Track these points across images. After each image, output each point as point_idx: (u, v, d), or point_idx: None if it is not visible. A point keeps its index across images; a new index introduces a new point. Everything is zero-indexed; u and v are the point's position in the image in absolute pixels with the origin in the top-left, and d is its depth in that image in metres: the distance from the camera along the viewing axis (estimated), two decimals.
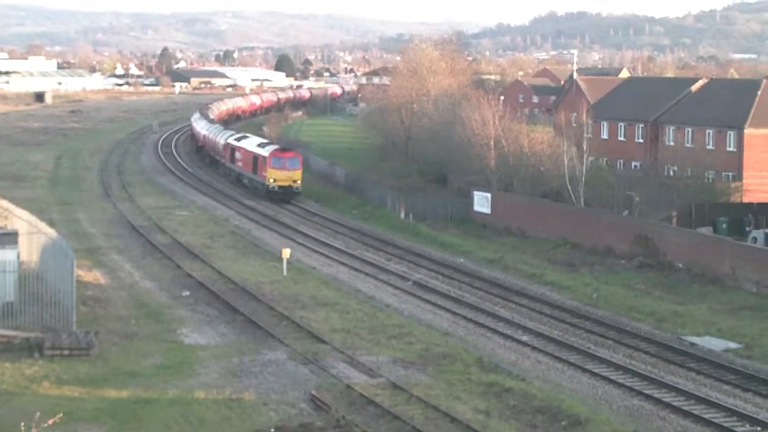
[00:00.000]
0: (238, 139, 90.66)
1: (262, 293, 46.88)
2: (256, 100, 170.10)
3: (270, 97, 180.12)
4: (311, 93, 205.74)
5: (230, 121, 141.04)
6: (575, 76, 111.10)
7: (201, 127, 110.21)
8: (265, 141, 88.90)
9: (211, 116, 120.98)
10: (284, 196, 79.51)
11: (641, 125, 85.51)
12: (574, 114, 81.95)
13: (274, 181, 79.25)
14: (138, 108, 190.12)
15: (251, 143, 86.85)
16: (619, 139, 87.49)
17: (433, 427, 29.02)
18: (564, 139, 71.70)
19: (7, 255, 38.02)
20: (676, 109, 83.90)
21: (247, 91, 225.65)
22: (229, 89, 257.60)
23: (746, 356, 38.98)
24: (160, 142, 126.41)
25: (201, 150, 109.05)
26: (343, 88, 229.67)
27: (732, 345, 40.49)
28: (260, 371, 34.26)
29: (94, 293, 45.38)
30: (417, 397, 31.58)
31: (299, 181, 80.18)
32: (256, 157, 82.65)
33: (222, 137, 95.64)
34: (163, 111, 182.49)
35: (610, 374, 35.98)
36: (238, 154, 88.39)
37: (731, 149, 75.72)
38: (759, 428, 30.81)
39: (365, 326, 41.49)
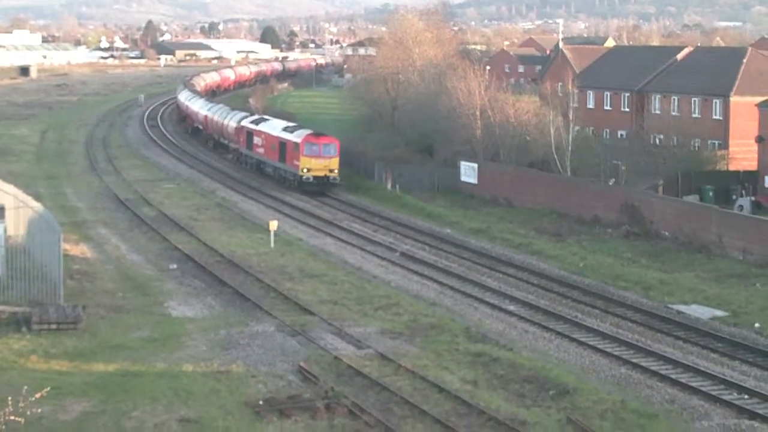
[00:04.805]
0: (256, 122, 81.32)
1: (250, 265, 46.88)
2: (230, 75, 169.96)
3: (243, 72, 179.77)
4: (284, 66, 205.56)
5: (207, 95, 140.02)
6: (561, 45, 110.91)
7: (199, 106, 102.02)
8: (292, 124, 79.21)
9: (199, 92, 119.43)
10: (320, 187, 70.41)
11: (627, 94, 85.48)
12: (560, 83, 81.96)
13: (308, 170, 70.06)
14: (123, 81, 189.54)
15: (274, 127, 77.56)
16: (605, 108, 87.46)
17: (421, 398, 29.09)
18: (550, 109, 71.67)
19: None
20: (662, 78, 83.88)
21: (233, 63, 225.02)
22: (215, 61, 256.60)
23: (733, 324, 39.14)
24: (146, 115, 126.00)
25: (200, 132, 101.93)
26: (315, 60, 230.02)
27: (719, 313, 40.64)
28: (248, 343, 34.27)
29: (81, 267, 45.33)
30: (405, 368, 31.66)
31: (336, 170, 70.82)
32: (283, 144, 73.34)
33: (232, 119, 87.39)
34: (149, 84, 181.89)
35: (597, 343, 36.08)
36: (257, 140, 78.98)
37: (717, 117, 75.75)
38: (746, 396, 30.94)
39: (353, 297, 41.55)
